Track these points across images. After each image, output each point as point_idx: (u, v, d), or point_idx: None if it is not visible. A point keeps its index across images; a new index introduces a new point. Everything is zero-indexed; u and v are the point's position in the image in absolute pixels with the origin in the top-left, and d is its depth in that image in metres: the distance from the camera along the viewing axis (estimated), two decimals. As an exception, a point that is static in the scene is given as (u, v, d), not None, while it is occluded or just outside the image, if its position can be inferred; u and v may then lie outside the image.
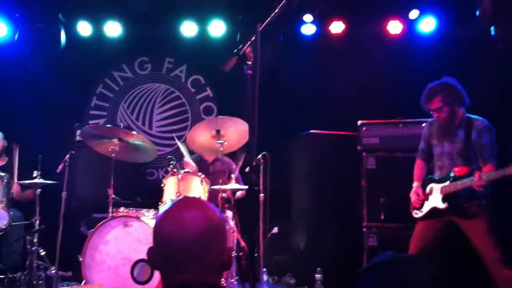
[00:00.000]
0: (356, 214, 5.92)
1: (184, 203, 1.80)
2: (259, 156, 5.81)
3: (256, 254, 5.02)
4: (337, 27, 7.28)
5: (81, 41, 7.38)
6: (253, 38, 2.98)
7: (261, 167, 5.72)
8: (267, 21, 3.06)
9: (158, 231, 1.75)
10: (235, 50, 3.05)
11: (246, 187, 5.69)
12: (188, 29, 7.40)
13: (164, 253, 1.71)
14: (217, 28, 7.37)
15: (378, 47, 7.09)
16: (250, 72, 2.97)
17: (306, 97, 7.22)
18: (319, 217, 6.23)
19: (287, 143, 6.83)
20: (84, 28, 7.34)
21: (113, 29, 7.36)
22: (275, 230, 6.43)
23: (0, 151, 6.28)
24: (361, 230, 5.82)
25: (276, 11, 3.20)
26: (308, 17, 7.25)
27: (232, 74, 3.09)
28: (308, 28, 7.33)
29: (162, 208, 5.18)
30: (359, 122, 6.04)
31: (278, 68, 7.11)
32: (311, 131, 6.53)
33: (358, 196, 5.92)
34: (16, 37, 7.15)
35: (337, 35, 7.28)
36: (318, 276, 5.78)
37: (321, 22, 7.30)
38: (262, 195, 5.62)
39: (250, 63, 2.99)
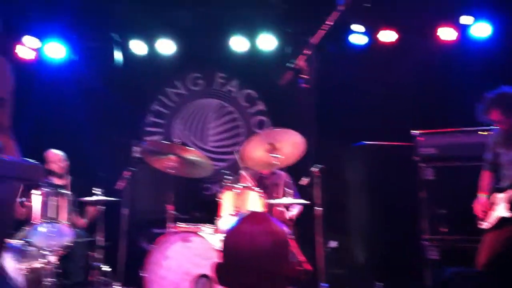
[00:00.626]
0: (415, 226, 5.80)
1: (253, 218, 1.82)
2: (315, 169, 5.80)
3: (315, 269, 5.00)
4: (387, 35, 7.22)
5: (136, 59, 7.58)
6: (307, 52, 3.00)
7: (315, 180, 5.71)
8: (320, 33, 3.07)
9: (228, 246, 1.76)
10: (289, 64, 3.07)
11: (302, 201, 5.67)
12: (239, 44, 7.49)
13: (233, 267, 1.73)
14: (267, 42, 7.42)
15: (431, 54, 6.98)
16: (305, 85, 2.98)
17: (357, 108, 7.15)
18: (376, 230, 6.15)
19: (340, 155, 6.76)
20: (138, 47, 7.53)
21: (165, 46, 7.53)
22: (333, 244, 6.38)
23: (64, 171, 6.48)
24: (421, 243, 5.69)
25: (329, 23, 3.21)
26: (357, 27, 7.21)
27: (284, 86, 3.11)
28: (358, 38, 7.29)
29: (224, 222, 5.23)
30: (414, 132, 5.93)
31: (327, 79, 7.08)
32: (364, 142, 6.47)
33: (417, 207, 5.80)
34: (74, 57, 7.41)
35: (388, 44, 7.22)
36: (377, 290, 5.69)
37: (371, 31, 7.25)
38: (318, 208, 5.60)
39: (305, 76, 3.00)
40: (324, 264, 5.31)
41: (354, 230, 6.55)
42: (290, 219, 5.80)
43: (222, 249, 1.80)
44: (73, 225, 6.15)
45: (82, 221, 6.24)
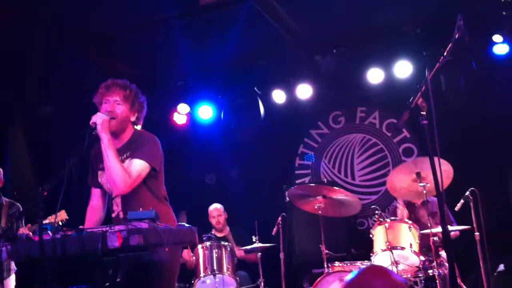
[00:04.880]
0: None
1: (371, 271, 1.91)
2: (467, 192, 5.59)
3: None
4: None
5: (277, 107, 7.94)
6: (423, 88, 3.01)
7: (471, 204, 5.49)
8: (435, 68, 3.07)
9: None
10: (408, 102, 3.09)
11: (460, 227, 5.49)
12: (375, 75, 7.49)
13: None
14: (403, 68, 7.34)
15: None
16: (425, 122, 2.98)
17: (510, 122, 6.75)
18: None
19: (497, 174, 6.42)
20: (278, 96, 7.90)
21: (304, 91, 7.78)
22: (501, 267, 6.01)
23: (224, 222, 6.96)
24: None
25: (445, 54, 3.19)
26: (497, 38, 6.88)
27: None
28: (501, 48, 6.93)
29: (378, 259, 5.25)
30: None
31: (474, 95, 6.82)
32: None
33: None
34: (222, 116, 8.00)
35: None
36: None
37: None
38: (477, 233, 5.37)
39: (424, 113, 3.00)
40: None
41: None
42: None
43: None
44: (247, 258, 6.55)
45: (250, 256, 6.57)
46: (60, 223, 5.01)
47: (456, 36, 3.07)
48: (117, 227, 2.74)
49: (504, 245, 5.97)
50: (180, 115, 8.02)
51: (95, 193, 3.73)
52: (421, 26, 6.93)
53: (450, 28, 3.57)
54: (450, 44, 3.11)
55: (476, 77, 6.93)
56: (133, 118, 3.63)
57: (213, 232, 6.81)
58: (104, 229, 2.73)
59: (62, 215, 5.04)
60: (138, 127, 3.72)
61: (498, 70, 6.95)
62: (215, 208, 6.99)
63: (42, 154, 6.91)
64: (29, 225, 5.22)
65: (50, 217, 4.41)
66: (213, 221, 6.92)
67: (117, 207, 3.56)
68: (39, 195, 2.79)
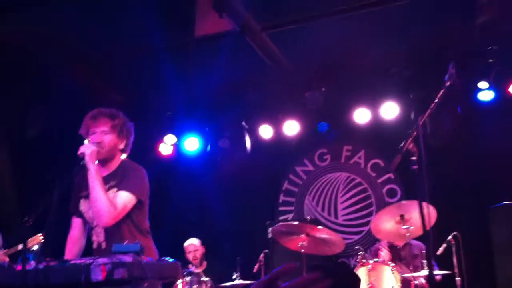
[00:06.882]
0: None
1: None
2: (450, 237, 5.62)
3: None
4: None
5: (264, 142, 7.95)
6: (414, 134, 3.06)
7: (453, 249, 5.52)
8: (426, 114, 3.12)
9: None
10: (400, 146, 3.14)
11: (442, 272, 5.49)
12: (362, 115, 7.55)
13: None
14: (390, 110, 7.42)
15: None
16: (416, 167, 3.02)
17: (493, 166, 6.84)
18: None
19: (480, 219, 6.46)
20: (265, 131, 7.92)
21: (291, 127, 7.80)
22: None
23: (201, 257, 6.86)
24: None
25: (436, 100, 3.25)
26: (483, 84, 7.02)
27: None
28: (486, 94, 7.07)
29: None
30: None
31: (459, 140, 6.92)
32: (505, 202, 6.13)
33: None
34: (208, 148, 7.99)
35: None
36: None
37: (499, 85, 7.01)
38: (458, 278, 5.38)
39: (414, 158, 3.04)
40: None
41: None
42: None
43: None
44: None
45: None
46: (35, 247, 4.92)
47: (448, 84, 3.14)
48: (101, 260, 2.70)
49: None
50: (166, 145, 7.99)
51: (76, 222, 3.68)
52: (409, 67, 7.06)
53: (438, 71, 3.65)
54: (442, 90, 3.17)
55: (460, 122, 7.03)
56: (121, 146, 3.62)
57: (191, 267, 6.69)
58: (88, 261, 2.68)
59: (38, 238, 4.95)
60: (125, 155, 3.70)
61: (483, 116, 7.08)
62: (191, 243, 6.90)
63: (27, 179, 6.82)
64: (7, 249, 5.12)
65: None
66: (190, 256, 6.82)
67: (97, 237, 3.53)
68: (23, 226, 2.75)
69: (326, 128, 7.81)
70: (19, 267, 2.69)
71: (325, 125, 7.79)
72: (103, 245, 3.48)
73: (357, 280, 1.32)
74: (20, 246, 5.04)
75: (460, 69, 3.42)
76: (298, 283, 1.20)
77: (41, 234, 4.90)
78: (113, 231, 3.42)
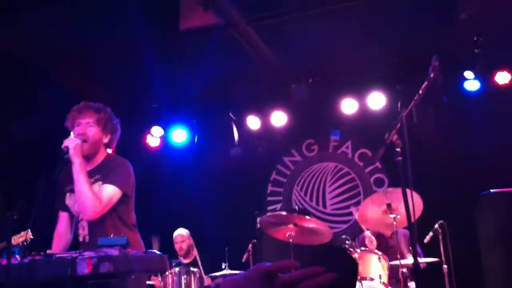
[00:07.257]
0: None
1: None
2: (436, 225, 5.66)
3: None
4: (503, 77, 6.99)
5: (252, 134, 7.96)
6: (398, 126, 3.07)
7: (440, 237, 5.56)
8: (410, 106, 3.14)
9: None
10: (384, 138, 3.16)
11: (428, 259, 5.53)
12: (349, 105, 7.59)
13: None
14: (377, 100, 7.45)
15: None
16: (400, 159, 3.05)
17: (479, 155, 6.91)
18: (514, 284, 5.76)
19: (466, 207, 6.53)
20: (253, 122, 7.92)
21: (279, 118, 7.82)
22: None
23: (189, 248, 6.86)
24: None
25: (420, 92, 3.28)
26: (469, 74, 7.06)
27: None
28: (472, 84, 7.12)
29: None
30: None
31: (445, 130, 6.97)
32: (491, 190, 6.19)
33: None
34: (196, 139, 7.98)
35: (505, 86, 6.96)
36: None
37: (484, 75, 7.06)
38: (445, 266, 5.43)
39: (399, 149, 3.07)
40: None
41: (489, 285, 6.19)
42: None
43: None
44: None
45: None
46: (25, 243, 4.89)
47: (431, 76, 3.16)
48: (87, 253, 2.70)
49: (472, 278, 6.04)
50: (154, 137, 7.97)
51: (62, 216, 3.67)
52: (395, 59, 7.08)
53: (424, 62, 3.66)
54: (426, 83, 3.19)
55: (447, 112, 7.08)
56: (105, 140, 3.60)
57: (180, 258, 6.70)
58: (73, 255, 2.68)
59: (27, 235, 4.92)
60: (110, 151, 3.69)
61: (469, 106, 7.13)
62: (179, 234, 6.89)
63: (12, 176, 6.78)
64: None
65: (14, 236, 4.30)
66: (177, 247, 6.83)
67: (83, 231, 3.52)
68: (8, 219, 2.74)
69: (338, 135, 7.90)
70: (4, 262, 2.68)
71: (337, 133, 7.86)
72: (87, 238, 3.48)
73: (356, 265, 1.33)
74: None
75: (445, 61, 3.45)
76: (299, 275, 1.19)
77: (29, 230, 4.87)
78: (97, 225, 3.41)
